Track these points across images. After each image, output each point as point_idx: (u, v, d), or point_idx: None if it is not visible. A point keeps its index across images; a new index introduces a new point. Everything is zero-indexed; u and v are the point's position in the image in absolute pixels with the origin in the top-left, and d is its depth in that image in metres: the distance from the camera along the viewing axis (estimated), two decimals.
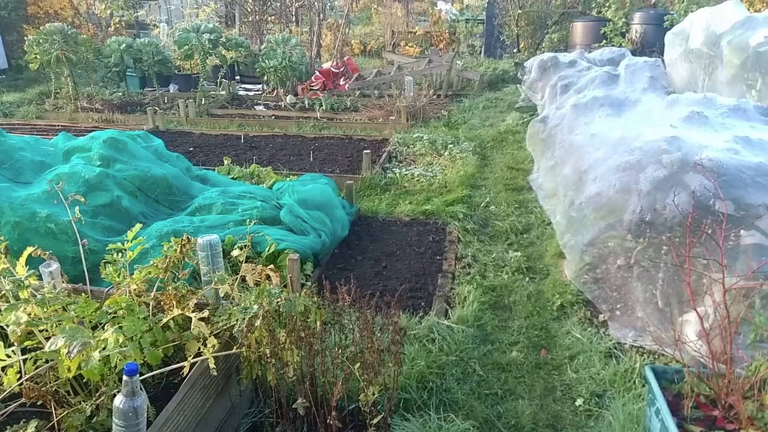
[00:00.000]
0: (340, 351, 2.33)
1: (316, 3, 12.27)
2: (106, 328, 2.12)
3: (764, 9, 11.88)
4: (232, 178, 5.13)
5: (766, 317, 2.72)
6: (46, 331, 2.23)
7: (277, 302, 2.33)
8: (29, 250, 2.47)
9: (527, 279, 3.85)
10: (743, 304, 2.55)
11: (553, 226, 4.44)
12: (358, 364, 2.27)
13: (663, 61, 7.54)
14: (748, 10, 11.48)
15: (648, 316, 3.13)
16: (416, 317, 3.26)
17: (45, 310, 2.23)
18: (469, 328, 3.19)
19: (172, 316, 2.34)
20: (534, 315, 3.42)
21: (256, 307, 2.29)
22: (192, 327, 2.28)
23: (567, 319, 3.36)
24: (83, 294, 2.35)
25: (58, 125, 8.19)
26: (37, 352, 2.11)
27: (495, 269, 3.99)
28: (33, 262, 2.48)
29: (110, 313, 2.33)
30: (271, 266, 2.63)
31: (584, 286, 3.50)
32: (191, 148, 6.99)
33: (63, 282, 2.72)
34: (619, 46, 9.73)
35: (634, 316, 3.23)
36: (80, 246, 2.87)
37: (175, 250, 2.67)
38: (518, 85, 9.01)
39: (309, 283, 3.36)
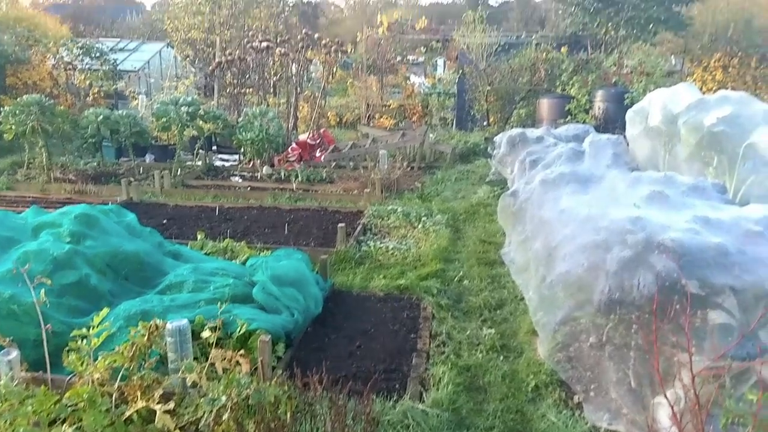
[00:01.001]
0: None
1: (293, 77, 12.69)
2: (64, 428, 2.03)
3: (715, 87, 12.73)
4: (206, 254, 5.09)
5: (736, 399, 2.75)
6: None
7: (247, 392, 2.27)
8: None
9: (501, 358, 3.83)
10: (713, 386, 2.58)
11: (526, 301, 4.47)
12: None
13: (625, 137, 7.92)
14: (701, 88, 12.28)
15: (621, 397, 3.12)
16: (390, 401, 3.19)
17: (0, 405, 2.13)
18: (444, 412, 3.13)
19: (135, 408, 2.26)
20: (509, 397, 3.39)
21: (224, 398, 2.23)
22: (156, 420, 2.20)
23: (542, 400, 3.33)
24: (43, 386, 2.26)
25: (29, 197, 8.09)
26: None
27: (469, 347, 3.97)
28: None
29: (70, 406, 2.24)
30: (242, 352, 2.59)
31: (558, 366, 3.50)
32: (165, 221, 6.95)
33: (22, 370, 2.62)
34: (583, 122, 10.22)
35: (608, 397, 3.22)
36: (43, 329, 2.78)
37: (143, 335, 2.61)
38: (489, 159, 9.30)
39: (280, 371, 3.27)
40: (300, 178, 9.20)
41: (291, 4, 25.94)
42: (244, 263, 4.81)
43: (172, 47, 17.68)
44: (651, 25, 13.49)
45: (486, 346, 3.95)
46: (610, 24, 13.80)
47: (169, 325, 2.55)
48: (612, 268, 3.24)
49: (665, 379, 2.89)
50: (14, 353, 2.49)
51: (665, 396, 2.32)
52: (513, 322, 4.37)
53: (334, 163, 10.42)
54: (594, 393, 3.28)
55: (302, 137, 11.52)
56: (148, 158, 11.06)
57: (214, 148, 12.36)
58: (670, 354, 2.85)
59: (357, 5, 40.91)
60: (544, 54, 13.13)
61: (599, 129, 9.31)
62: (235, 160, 11.35)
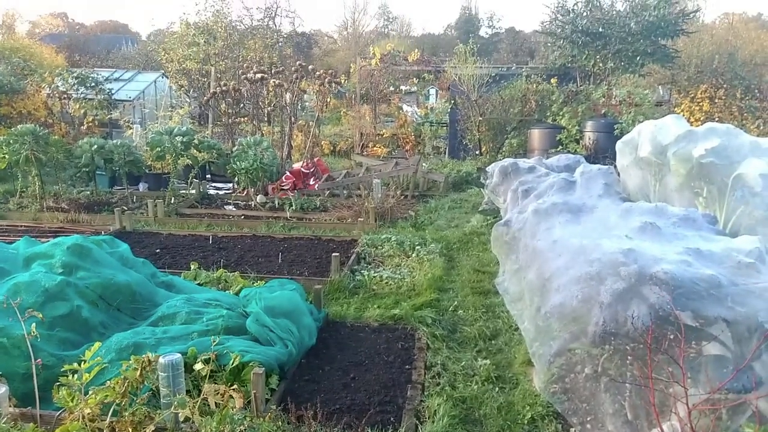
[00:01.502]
0: None
1: (287, 107, 12.80)
2: None
3: (702, 118, 12.98)
4: (199, 284, 5.06)
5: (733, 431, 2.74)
6: None
7: (240, 429, 2.24)
8: None
9: (497, 389, 3.80)
10: (710, 419, 2.58)
11: (521, 332, 4.46)
12: None
13: (615, 167, 8.03)
14: (689, 118, 12.52)
15: (618, 429, 3.10)
16: None
17: None
18: None
19: None
20: (505, 429, 3.35)
21: None
22: None
23: None
24: (32, 423, 2.22)
25: (22, 225, 8.04)
26: None
27: (464, 378, 3.94)
28: None
29: None
30: (234, 387, 2.56)
31: (553, 397, 3.48)
32: (158, 250, 6.91)
33: (10, 406, 2.58)
34: (574, 152, 10.35)
35: (605, 429, 3.19)
36: (33, 364, 2.75)
37: (135, 369, 2.58)
38: (481, 188, 9.37)
39: (274, 405, 3.23)
40: (294, 207, 9.21)
41: (285, 36, 26.38)
42: (237, 294, 4.78)
43: (167, 77, 17.84)
44: (638, 58, 13.79)
45: (481, 377, 3.92)
46: (598, 57, 14.10)
47: (161, 360, 2.53)
48: (606, 299, 3.26)
49: (661, 411, 2.88)
50: (2, 388, 2.45)
51: (661, 429, 2.31)
52: (508, 353, 4.35)
53: (327, 192, 10.46)
54: (590, 425, 3.26)
55: (296, 166, 11.59)
56: (142, 187, 11.05)
57: (208, 176, 12.40)
58: (666, 386, 2.85)
59: (350, 37, 41.63)
60: (535, 85, 13.37)
61: (590, 159, 9.43)
62: (228, 189, 11.37)
